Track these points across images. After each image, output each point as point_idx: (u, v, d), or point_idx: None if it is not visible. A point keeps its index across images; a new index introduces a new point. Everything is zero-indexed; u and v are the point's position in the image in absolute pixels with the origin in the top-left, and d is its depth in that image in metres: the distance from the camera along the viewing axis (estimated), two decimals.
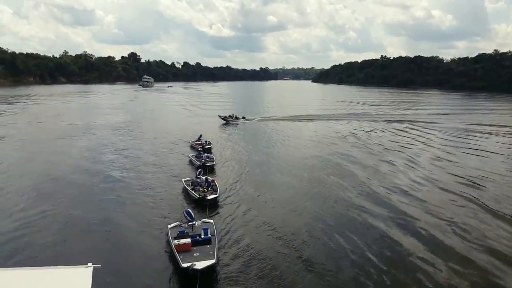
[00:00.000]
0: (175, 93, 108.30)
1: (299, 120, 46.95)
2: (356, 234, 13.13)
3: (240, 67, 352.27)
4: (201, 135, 29.24)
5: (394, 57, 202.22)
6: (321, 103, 76.61)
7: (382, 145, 29.91)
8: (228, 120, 41.97)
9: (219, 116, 42.75)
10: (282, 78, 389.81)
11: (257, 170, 21.71)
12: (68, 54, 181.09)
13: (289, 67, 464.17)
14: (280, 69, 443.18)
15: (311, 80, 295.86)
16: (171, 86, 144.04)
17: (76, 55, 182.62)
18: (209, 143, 27.62)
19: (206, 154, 22.95)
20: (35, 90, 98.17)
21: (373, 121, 45.41)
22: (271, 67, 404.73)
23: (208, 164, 21.26)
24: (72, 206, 15.66)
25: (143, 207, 15.60)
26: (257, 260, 11.16)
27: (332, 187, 18.62)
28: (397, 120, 45.73)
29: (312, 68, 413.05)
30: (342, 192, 17.91)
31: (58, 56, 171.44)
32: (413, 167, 22.60)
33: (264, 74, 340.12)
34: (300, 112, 54.78)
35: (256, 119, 44.86)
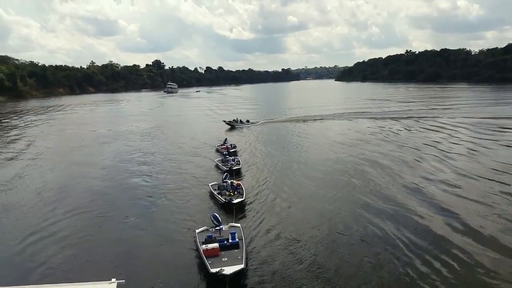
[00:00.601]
0: (199, 97, 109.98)
1: (321, 119, 46.31)
2: (401, 234, 12.71)
3: (262, 69, 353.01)
4: (226, 139, 29.41)
5: (419, 51, 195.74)
6: (344, 102, 75.34)
7: (414, 141, 29.02)
8: (233, 125, 41.04)
9: (224, 121, 41.96)
10: (304, 78, 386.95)
11: (283, 173, 21.53)
12: (95, 64, 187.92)
13: (311, 66, 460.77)
14: (302, 69, 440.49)
15: (334, 79, 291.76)
16: (198, 91, 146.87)
17: (103, 65, 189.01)
18: (234, 146, 27.77)
19: (232, 158, 23.06)
20: (65, 100, 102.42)
21: (401, 118, 44.05)
22: (293, 68, 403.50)
23: (234, 168, 21.33)
24: (100, 210, 16.13)
25: (171, 212, 15.79)
26: (286, 265, 10.95)
27: (364, 188, 18.11)
28: (427, 117, 44.12)
29: (335, 66, 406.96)
30: (377, 190, 17.52)
31: (85, 67, 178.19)
32: (452, 162, 21.97)
33: (286, 75, 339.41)
34: (323, 111, 54.02)
35: (259, 122, 43.87)
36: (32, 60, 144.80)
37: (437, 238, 12.45)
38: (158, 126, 44.99)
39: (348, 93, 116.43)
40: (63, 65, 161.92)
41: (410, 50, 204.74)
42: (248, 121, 42.84)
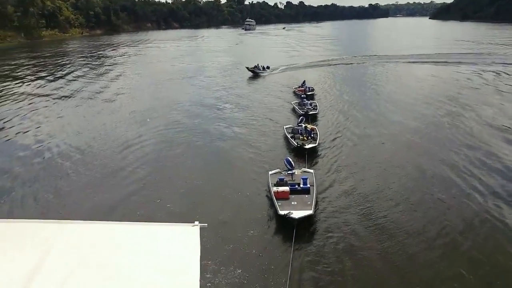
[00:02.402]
0: (278, 35, 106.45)
1: (409, 62, 41.82)
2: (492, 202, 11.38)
3: (346, 4, 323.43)
4: (304, 81, 28.31)
5: None
6: (437, 43, 66.24)
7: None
8: (257, 72, 35.35)
9: (247, 68, 35.68)
10: (394, 15, 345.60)
11: (362, 120, 20.47)
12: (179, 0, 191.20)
13: (403, 1, 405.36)
14: (392, 4, 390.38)
15: (428, 17, 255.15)
16: (284, 28, 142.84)
17: (186, 1, 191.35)
18: (312, 89, 26.87)
19: (309, 102, 22.46)
20: (153, 35, 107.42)
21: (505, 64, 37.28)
22: (382, 3, 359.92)
23: (310, 112, 20.80)
24: (179, 146, 17.21)
25: (245, 150, 16.26)
26: (355, 219, 10.68)
27: (464, 147, 16.13)
28: None
29: (431, 2, 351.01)
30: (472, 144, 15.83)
31: (170, 2, 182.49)
32: None
33: (373, 11, 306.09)
34: (411, 52, 48.54)
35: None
36: None
37: None
38: (237, 63, 45.24)
39: (442, 33, 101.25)
40: (150, 0, 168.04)
41: None
42: (268, 67, 36.94)
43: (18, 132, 19.76)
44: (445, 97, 24.81)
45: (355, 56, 48.46)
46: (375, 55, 49.08)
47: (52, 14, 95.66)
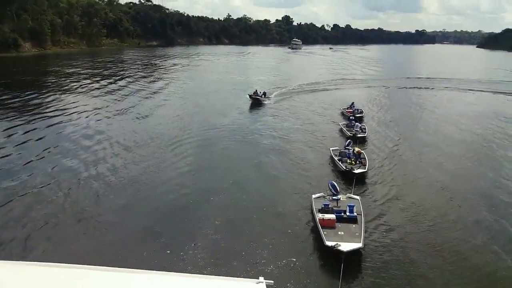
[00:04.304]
0: (323, 55, 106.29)
1: (460, 89, 39.69)
2: None
3: (393, 29, 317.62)
4: (353, 103, 27.39)
5: None
6: (487, 70, 62.57)
7: None
8: (257, 98, 29.34)
9: (249, 95, 29.66)
10: (441, 42, 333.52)
11: (412, 146, 19.39)
12: (230, 17, 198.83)
13: (450, 29, 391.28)
14: (439, 31, 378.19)
15: (475, 46, 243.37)
16: (331, 48, 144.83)
17: (238, 18, 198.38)
18: (361, 112, 25.88)
19: (357, 124, 21.48)
20: (204, 49, 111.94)
21: None
22: (428, 30, 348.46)
23: (358, 135, 19.86)
24: (219, 160, 16.85)
25: (288, 170, 15.67)
26: (407, 252, 9.67)
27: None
28: None
29: (479, 31, 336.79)
30: None
31: (222, 19, 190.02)
32: None
33: (419, 38, 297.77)
34: (461, 78, 46.12)
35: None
36: (178, 10, 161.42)
37: None
38: (284, 79, 45.23)
39: (494, 62, 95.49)
40: (203, 16, 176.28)
41: None
42: (264, 93, 30.70)
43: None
44: (498, 123, 23.46)
45: (402, 79, 47.15)
46: (425, 79, 47.52)
47: (113, 24, 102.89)
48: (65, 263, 3.08)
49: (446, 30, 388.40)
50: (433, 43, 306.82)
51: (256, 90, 30.16)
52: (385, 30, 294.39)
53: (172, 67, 57.63)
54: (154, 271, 3.08)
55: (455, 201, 12.90)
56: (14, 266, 3.14)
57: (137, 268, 3.02)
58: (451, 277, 8.71)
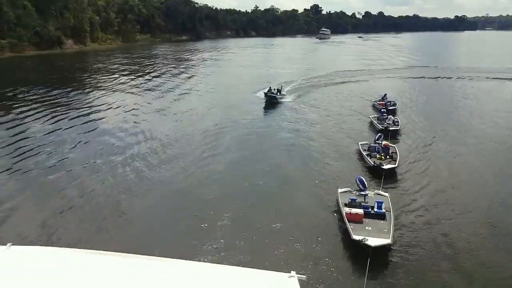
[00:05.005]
0: (354, 44, 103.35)
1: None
2: None
3: (429, 15, 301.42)
4: (385, 95, 26.45)
5: None
6: None
7: None
8: (273, 96, 26.95)
9: (265, 93, 27.33)
10: (483, 28, 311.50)
11: (449, 142, 18.59)
12: (258, 8, 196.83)
13: (494, 14, 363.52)
14: (482, 17, 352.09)
15: None
16: (361, 37, 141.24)
17: (265, 9, 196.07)
18: (394, 104, 25.02)
19: (390, 117, 20.76)
20: (231, 42, 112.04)
21: None
22: (469, 15, 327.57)
23: (391, 128, 19.25)
24: (249, 149, 17.39)
25: (314, 163, 15.72)
26: (438, 253, 9.55)
27: None
28: None
29: None
30: None
31: (249, 11, 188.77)
32: None
33: (459, 24, 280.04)
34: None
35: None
36: (206, 4, 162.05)
37: None
38: (310, 70, 44.76)
39: None
40: (231, 8, 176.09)
41: None
42: (279, 90, 28.37)
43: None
44: None
45: (439, 69, 45.14)
46: (464, 69, 45.00)
47: (146, 20, 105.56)
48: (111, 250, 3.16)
49: (489, 15, 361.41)
50: (475, 29, 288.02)
51: (270, 88, 27.88)
52: (421, 17, 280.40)
53: (202, 61, 58.61)
54: (185, 260, 3.07)
55: (495, 203, 12.25)
56: (44, 250, 3.28)
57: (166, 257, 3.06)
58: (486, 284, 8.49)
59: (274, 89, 27.85)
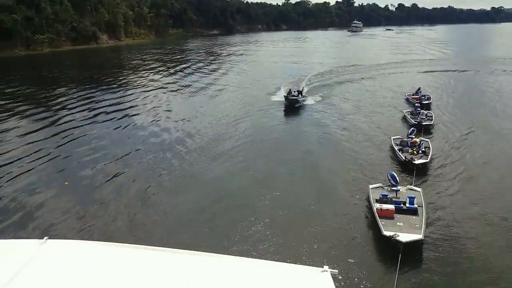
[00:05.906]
0: (386, 37, 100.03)
1: None
2: None
3: (465, 6, 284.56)
4: (419, 88, 25.58)
5: None
6: None
7: None
8: (294, 99, 23.86)
9: (285, 96, 24.32)
10: None
11: (485, 138, 17.80)
12: (289, 2, 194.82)
13: None
14: None
15: None
16: (390, 29, 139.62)
17: (296, 2, 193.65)
18: (428, 98, 24.20)
19: (423, 111, 20.16)
20: (263, 36, 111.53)
21: None
22: (508, 6, 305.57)
23: (424, 123, 18.72)
24: (279, 142, 17.44)
25: (345, 159, 15.52)
26: (471, 250, 9.25)
27: None
28: None
29: None
30: None
31: (280, 4, 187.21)
32: None
33: (495, 15, 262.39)
34: None
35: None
36: None
37: None
38: (341, 64, 43.88)
39: None
40: (262, 2, 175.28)
41: None
42: (300, 92, 25.32)
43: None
44: None
45: (476, 63, 42.80)
46: (500, 63, 42.70)
47: (178, 15, 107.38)
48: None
49: None
50: None
51: (290, 90, 24.92)
52: (456, 9, 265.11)
53: (234, 55, 59.02)
54: (217, 254, 3.02)
55: None
56: (80, 244, 3.25)
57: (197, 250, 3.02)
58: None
59: (295, 91, 24.85)
